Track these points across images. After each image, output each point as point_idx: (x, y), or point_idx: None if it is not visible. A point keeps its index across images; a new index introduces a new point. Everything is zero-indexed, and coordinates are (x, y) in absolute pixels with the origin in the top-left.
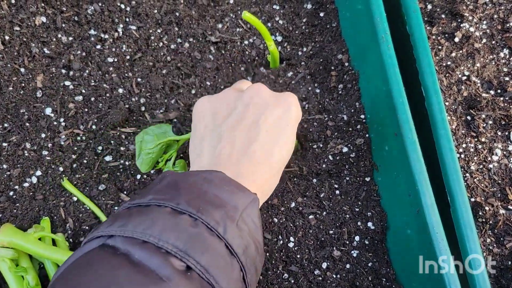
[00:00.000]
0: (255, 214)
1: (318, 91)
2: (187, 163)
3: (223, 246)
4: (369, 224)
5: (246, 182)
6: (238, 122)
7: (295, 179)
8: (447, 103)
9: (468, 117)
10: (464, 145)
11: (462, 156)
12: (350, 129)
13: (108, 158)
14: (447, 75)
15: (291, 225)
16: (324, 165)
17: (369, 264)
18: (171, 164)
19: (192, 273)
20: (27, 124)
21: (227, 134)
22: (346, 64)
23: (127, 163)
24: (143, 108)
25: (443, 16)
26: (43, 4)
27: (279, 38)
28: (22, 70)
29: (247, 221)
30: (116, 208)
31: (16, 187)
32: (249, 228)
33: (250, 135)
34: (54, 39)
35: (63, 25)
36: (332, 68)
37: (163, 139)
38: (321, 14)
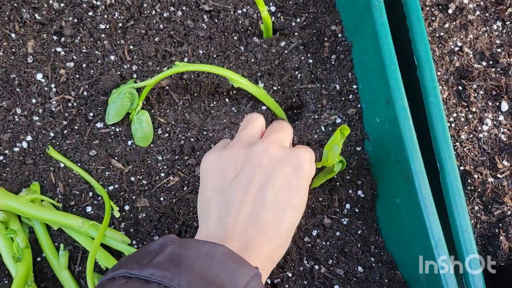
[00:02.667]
0: None
1: (310, 61)
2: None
3: None
4: (359, 192)
5: (253, 254)
6: (246, 187)
7: None
8: (439, 73)
9: (460, 87)
10: (454, 115)
11: (453, 125)
12: (343, 99)
13: (99, 124)
14: (439, 45)
15: None
16: (315, 135)
17: (359, 232)
18: (135, 113)
19: None
20: (18, 89)
21: (234, 201)
22: (339, 35)
23: (117, 129)
24: (135, 76)
25: None
26: None
27: (273, 8)
28: (13, 35)
29: None
30: (107, 173)
31: (6, 151)
32: None
33: (257, 202)
34: (46, 5)
35: None
36: (326, 39)
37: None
38: None
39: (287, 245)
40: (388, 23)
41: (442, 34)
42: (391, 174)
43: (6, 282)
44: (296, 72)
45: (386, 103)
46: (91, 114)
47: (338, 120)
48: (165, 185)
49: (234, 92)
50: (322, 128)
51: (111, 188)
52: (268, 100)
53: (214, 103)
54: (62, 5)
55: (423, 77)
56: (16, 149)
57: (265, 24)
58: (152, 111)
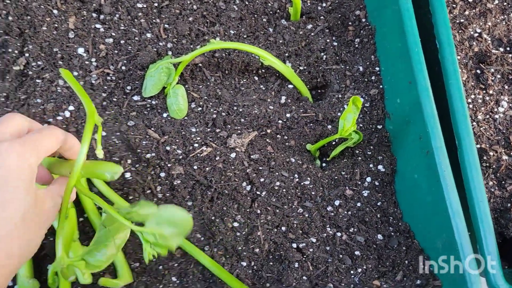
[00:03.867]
0: None
1: (335, 43)
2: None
3: None
4: (380, 167)
5: None
6: None
7: (311, 124)
8: (458, 57)
9: (478, 71)
10: (472, 96)
11: (470, 106)
12: (366, 80)
13: (136, 97)
14: (459, 31)
15: (307, 165)
16: (339, 113)
17: (378, 204)
18: (171, 87)
19: None
20: (60, 62)
21: None
22: (363, 19)
23: (153, 102)
24: (170, 52)
25: None
26: None
27: None
28: (55, 12)
29: None
30: (144, 142)
31: (50, 119)
32: None
33: None
34: None
35: None
36: (350, 23)
37: (162, 63)
38: None
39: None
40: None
41: (462, 20)
42: (411, 150)
43: (51, 239)
44: (322, 54)
45: (409, 84)
46: (129, 87)
47: (361, 100)
48: (198, 154)
49: (263, 70)
50: (345, 106)
51: (148, 156)
52: (295, 79)
53: (244, 80)
54: None
55: (444, 60)
56: (59, 117)
57: (295, 7)
58: (186, 86)
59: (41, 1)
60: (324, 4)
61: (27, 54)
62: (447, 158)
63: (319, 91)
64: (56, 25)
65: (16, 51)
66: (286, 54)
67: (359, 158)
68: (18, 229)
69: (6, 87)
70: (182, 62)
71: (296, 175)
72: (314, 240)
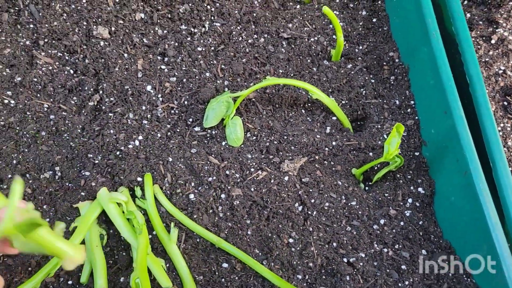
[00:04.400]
0: None
1: (373, 81)
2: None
3: None
4: (420, 189)
5: None
6: None
7: (354, 151)
8: (486, 91)
9: (505, 103)
10: (501, 125)
11: (500, 133)
12: (402, 112)
13: (197, 128)
14: (486, 68)
15: (353, 188)
16: (379, 142)
17: (420, 223)
18: (230, 118)
19: None
20: (131, 98)
21: None
22: (397, 60)
23: (213, 132)
24: (226, 89)
25: (480, 22)
26: (142, 3)
27: None
28: (126, 55)
29: None
30: (206, 167)
31: (122, 148)
32: None
33: None
34: (152, 31)
35: (159, 21)
36: (385, 63)
37: (222, 96)
38: (374, 20)
39: None
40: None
41: (487, 59)
42: (448, 173)
43: (123, 254)
44: (361, 90)
45: (444, 113)
46: (190, 119)
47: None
48: (254, 178)
49: (309, 104)
50: (385, 135)
51: (210, 179)
52: (338, 111)
53: (293, 113)
54: (165, 31)
55: (475, 93)
56: (130, 146)
57: (338, 48)
58: (242, 118)
59: (113, 46)
60: (361, 47)
61: (101, 92)
62: (483, 177)
63: (359, 122)
64: (126, 66)
65: (91, 89)
66: (330, 90)
67: (400, 181)
68: None
69: (82, 120)
70: (240, 96)
71: (343, 197)
72: (363, 255)
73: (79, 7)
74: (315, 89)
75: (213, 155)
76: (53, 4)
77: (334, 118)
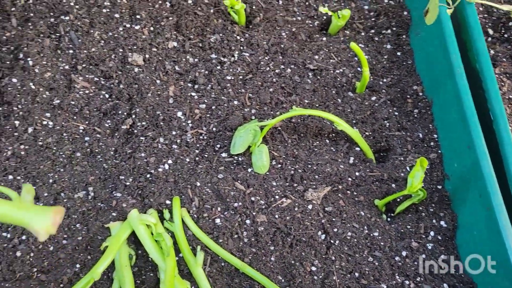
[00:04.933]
0: None
1: (397, 113)
2: (268, 147)
3: None
4: (442, 222)
5: None
6: None
7: (377, 182)
8: (510, 128)
9: None
10: None
11: None
12: (425, 145)
13: (224, 154)
14: (509, 105)
15: (375, 219)
16: (402, 174)
17: (442, 256)
18: (256, 146)
19: None
20: (162, 123)
21: None
22: (421, 93)
23: (240, 159)
24: (253, 117)
25: (504, 59)
26: (175, 32)
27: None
28: (158, 81)
29: None
30: (232, 193)
31: (152, 171)
32: None
33: None
34: (183, 60)
35: (190, 49)
36: (408, 96)
37: (250, 125)
38: (399, 53)
39: None
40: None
41: (511, 96)
42: (471, 207)
43: (151, 274)
44: (385, 122)
45: (468, 148)
46: (218, 145)
47: (427, 161)
48: (279, 205)
49: (333, 135)
50: (408, 168)
51: (235, 205)
52: (362, 142)
53: (317, 142)
54: (196, 60)
55: (499, 129)
56: (160, 169)
57: (363, 81)
58: (268, 146)
59: (147, 73)
60: (384, 80)
61: (134, 116)
62: (506, 213)
63: (382, 153)
64: (159, 92)
65: (125, 113)
66: (354, 121)
67: (423, 214)
68: None
69: (114, 142)
70: (268, 124)
71: (365, 227)
72: (384, 287)
73: (116, 35)
74: (340, 120)
75: (239, 181)
76: (91, 31)
77: (357, 148)
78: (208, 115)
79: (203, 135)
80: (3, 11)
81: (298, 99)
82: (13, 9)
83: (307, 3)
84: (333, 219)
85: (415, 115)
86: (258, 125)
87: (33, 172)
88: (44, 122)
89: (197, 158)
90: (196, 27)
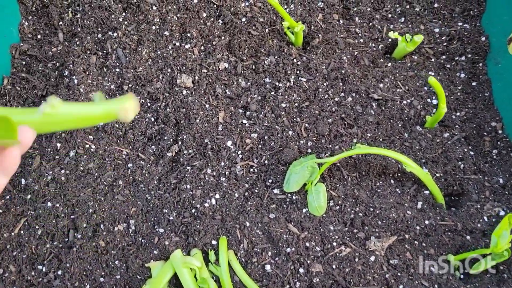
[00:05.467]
0: None
1: (472, 153)
2: (325, 185)
3: None
4: None
5: None
6: None
7: (449, 233)
8: None
9: None
10: None
11: None
12: (507, 192)
13: (276, 190)
14: None
15: (447, 276)
16: (478, 225)
17: None
18: (313, 185)
19: None
20: (210, 152)
21: None
22: (500, 131)
23: (294, 197)
24: (309, 150)
25: None
26: (227, 53)
27: (435, 101)
28: (207, 106)
29: None
30: (284, 236)
31: (198, 205)
32: None
33: None
34: (235, 83)
35: (243, 72)
36: (486, 133)
37: (307, 161)
38: (474, 84)
39: None
40: None
41: None
42: None
43: None
44: (459, 163)
45: None
46: (270, 180)
47: (502, 213)
48: (337, 254)
49: (399, 174)
50: (485, 218)
51: (288, 250)
52: (433, 186)
53: (380, 182)
54: (248, 83)
55: None
56: (207, 204)
57: (437, 116)
58: (325, 183)
59: (196, 96)
60: (458, 113)
61: (180, 143)
62: None
63: (453, 198)
64: (207, 118)
65: (170, 139)
66: (423, 160)
67: (505, 275)
68: None
69: (159, 170)
70: (327, 163)
71: (436, 286)
72: None
73: (164, 54)
74: (410, 161)
75: (292, 223)
76: (139, 49)
77: (426, 192)
78: (260, 146)
79: (253, 167)
80: (50, 24)
81: (359, 132)
82: (60, 23)
83: (370, 24)
84: (399, 274)
85: (494, 157)
86: (316, 162)
87: (73, 199)
88: (87, 146)
89: (246, 194)
90: (250, 47)
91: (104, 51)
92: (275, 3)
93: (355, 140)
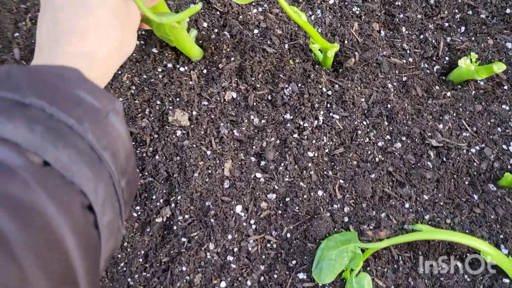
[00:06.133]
0: (120, 121)
1: None
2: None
3: (87, 146)
4: None
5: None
6: None
7: None
8: None
9: None
10: None
11: None
12: None
13: (301, 275)
14: None
15: None
16: None
17: None
18: (354, 275)
19: (51, 169)
20: (212, 220)
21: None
22: None
23: (326, 287)
24: (346, 219)
25: None
26: (236, 79)
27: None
28: (209, 153)
29: (112, 126)
30: None
31: None
32: (115, 134)
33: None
34: (245, 120)
35: (255, 104)
36: None
37: (347, 245)
38: None
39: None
40: None
41: None
42: None
43: None
44: None
45: None
46: (293, 261)
47: None
48: None
49: (468, 254)
50: None
51: None
52: None
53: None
54: (263, 121)
55: None
56: None
57: None
58: (368, 268)
59: (194, 139)
60: None
61: (173, 205)
62: None
63: None
64: (210, 170)
65: (161, 200)
66: (501, 236)
67: None
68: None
69: (145, 242)
70: (373, 249)
71: None
72: None
73: (152, 79)
74: (491, 248)
75: None
76: (118, 72)
77: (506, 280)
78: (280, 212)
79: (271, 243)
80: (3, 37)
81: (413, 193)
82: (16, 34)
83: (421, 37)
84: None
85: None
86: (360, 246)
87: None
88: None
89: (262, 279)
90: (265, 71)
91: None
92: (304, 22)
93: (407, 205)
